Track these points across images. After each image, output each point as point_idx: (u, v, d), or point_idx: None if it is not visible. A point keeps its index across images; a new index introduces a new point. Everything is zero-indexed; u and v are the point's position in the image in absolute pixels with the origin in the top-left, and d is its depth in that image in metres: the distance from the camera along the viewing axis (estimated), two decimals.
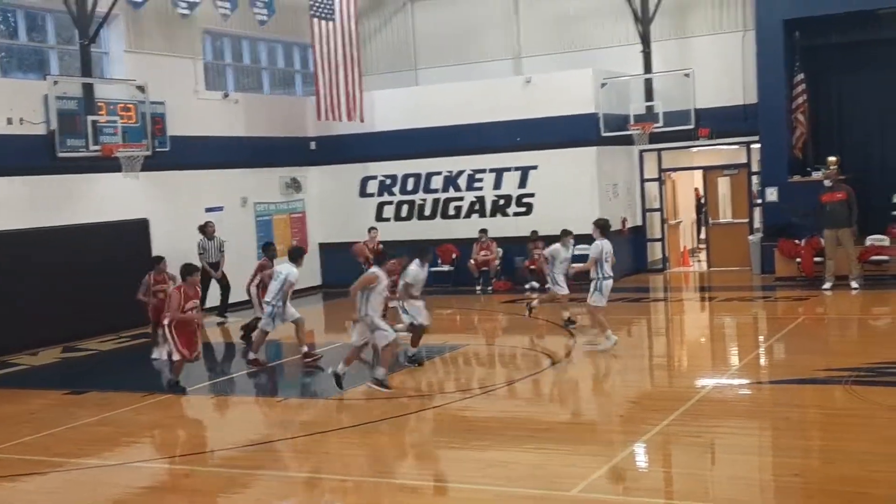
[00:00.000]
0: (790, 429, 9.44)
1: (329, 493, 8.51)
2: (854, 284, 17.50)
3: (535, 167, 20.93)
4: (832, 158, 19.52)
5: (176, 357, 12.12)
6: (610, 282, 13.31)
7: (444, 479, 8.40)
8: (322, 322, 20.26)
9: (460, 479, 8.37)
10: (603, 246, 13.15)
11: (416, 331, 13.34)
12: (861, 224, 18.25)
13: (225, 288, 19.02)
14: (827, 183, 17.96)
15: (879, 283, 17.74)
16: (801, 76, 19.81)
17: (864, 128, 20.44)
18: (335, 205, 22.93)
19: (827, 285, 17.59)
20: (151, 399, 12.26)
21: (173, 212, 19.37)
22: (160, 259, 15.29)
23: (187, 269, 12.48)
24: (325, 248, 23.01)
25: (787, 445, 8.93)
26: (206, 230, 18.78)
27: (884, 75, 20.07)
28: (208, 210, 20.24)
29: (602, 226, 13.44)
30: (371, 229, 19.59)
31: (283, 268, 13.86)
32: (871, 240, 18.24)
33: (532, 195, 20.99)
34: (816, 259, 18.35)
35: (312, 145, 22.99)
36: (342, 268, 22.22)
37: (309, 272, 22.57)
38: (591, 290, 13.28)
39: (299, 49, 24.05)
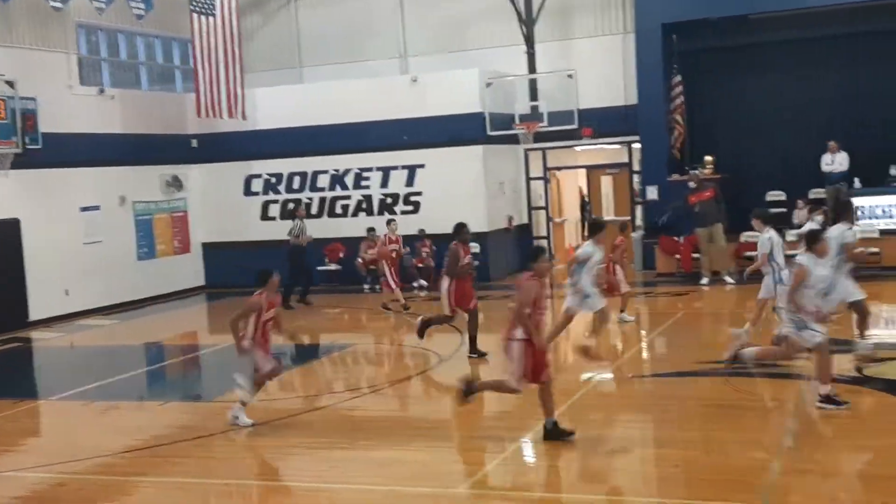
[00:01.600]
0: (671, 421, 9.67)
1: (213, 498, 8.28)
2: (728, 279, 18.11)
3: (422, 166, 20.95)
4: (708, 158, 20.22)
5: (519, 384, 8.78)
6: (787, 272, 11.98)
7: (331, 480, 8.28)
8: (206, 323, 19.82)
9: (348, 480, 8.27)
10: (772, 238, 11.98)
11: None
12: (736, 221, 18.89)
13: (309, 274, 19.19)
14: (691, 184, 18.58)
15: (754, 278, 18.32)
16: (678, 78, 20.40)
17: (738, 128, 21.18)
18: (218, 203, 22.43)
19: (704, 281, 18.16)
20: (24, 406, 11.72)
21: (46, 211, 18.59)
22: (269, 274, 10.45)
23: (534, 253, 8.99)
24: (208, 247, 22.50)
25: (668, 437, 9.14)
26: (297, 213, 19.21)
27: (756, 78, 20.86)
28: (84, 209, 19.53)
29: (763, 216, 12.45)
30: (390, 221, 18.62)
31: (589, 248, 12.31)
32: (745, 236, 18.89)
33: (419, 194, 21.01)
34: (695, 255, 18.93)
35: (194, 143, 22.44)
36: (226, 268, 21.89)
37: (192, 273, 22.11)
38: (771, 285, 11.92)
39: (179, 44, 23.43)
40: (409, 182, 21.11)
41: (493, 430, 9.74)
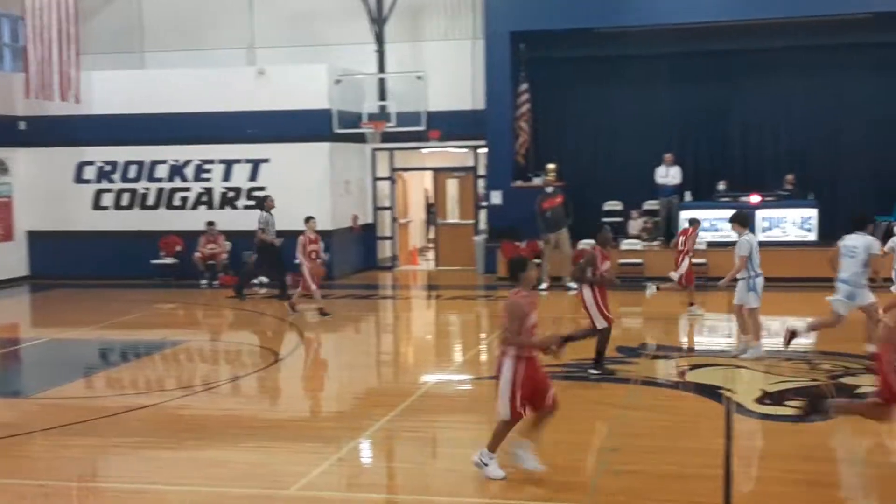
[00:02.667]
0: None
1: (28, 500, 7.78)
2: (572, 285, 18.54)
3: (266, 160, 20.53)
4: (551, 166, 20.67)
5: None
6: (762, 279, 11.80)
7: (156, 481, 7.94)
8: (29, 315, 18.77)
9: (174, 481, 7.96)
10: (751, 241, 11.72)
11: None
12: (574, 228, 19.38)
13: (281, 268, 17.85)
14: (549, 189, 18.93)
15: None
16: (525, 86, 20.77)
17: (580, 138, 21.76)
18: (47, 190, 21.28)
19: (543, 286, 18.54)
20: None
21: None
22: (523, 264, 8.39)
23: None
24: (34, 236, 21.33)
25: None
26: (265, 204, 17.79)
27: (598, 89, 21.49)
28: None
29: (743, 219, 12.00)
30: (309, 218, 16.45)
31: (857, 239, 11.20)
32: (582, 244, 19.43)
33: (263, 189, 20.55)
34: (535, 260, 19.30)
35: (22, 125, 21.19)
36: (53, 258, 20.85)
37: (15, 262, 20.93)
38: (745, 289, 11.73)
39: (9, 21, 22.08)
40: (253, 176, 20.65)
41: (328, 430, 9.60)
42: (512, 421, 7.51)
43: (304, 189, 20.21)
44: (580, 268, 11.12)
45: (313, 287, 15.57)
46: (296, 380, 12.22)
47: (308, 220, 16.25)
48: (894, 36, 19.35)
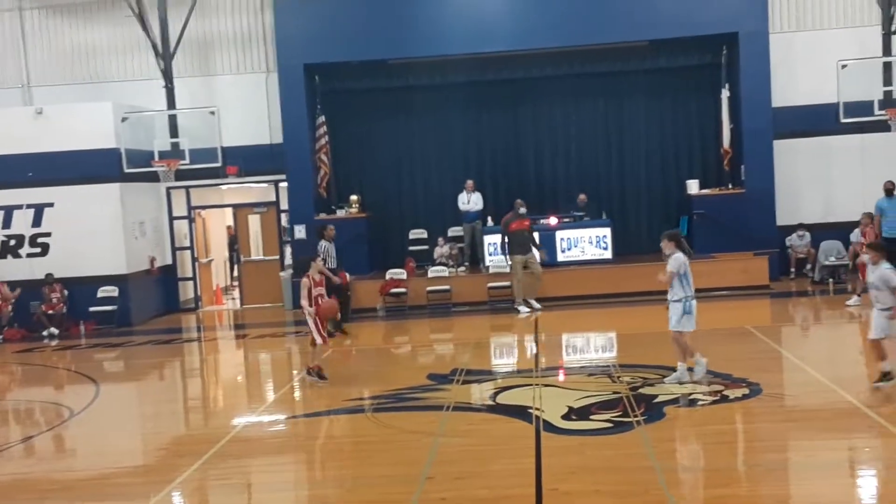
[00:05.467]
0: (319, 460, 9.57)
1: None
2: (525, 309, 18.09)
3: (50, 205, 19.41)
4: (354, 197, 20.64)
5: None
6: (695, 302, 11.12)
7: None
8: None
9: None
10: (685, 260, 11.02)
11: None
12: (381, 258, 19.34)
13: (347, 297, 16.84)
14: (522, 210, 18.51)
15: (399, 314, 18.94)
16: (322, 118, 20.64)
17: (381, 168, 21.83)
18: None
19: (525, 309, 18.11)
20: None
21: None
22: None
23: None
24: None
25: (314, 477, 9.03)
26: (325, 233, 16.56)
27: (397, 119, 21.69)
28: None
29: (676, 237, 11.28)
30: (314, 258, 13.55)
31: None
32: (390, 273, 19.42)
33: (48, 235, 19.42)
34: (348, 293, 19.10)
35: None
36: None
37: None
38: (680, 312, 11.01)
39: None
40: (37, 222, 19.45)
41: (131, 486, 9.00)
42: None
43: (95, 232, 19.32)
44: None
45: (319, 340, 12.78)
46: (94, 435, 11.44)
47: (312, 259, 13.37)
48: (667, 62, 20.62)
